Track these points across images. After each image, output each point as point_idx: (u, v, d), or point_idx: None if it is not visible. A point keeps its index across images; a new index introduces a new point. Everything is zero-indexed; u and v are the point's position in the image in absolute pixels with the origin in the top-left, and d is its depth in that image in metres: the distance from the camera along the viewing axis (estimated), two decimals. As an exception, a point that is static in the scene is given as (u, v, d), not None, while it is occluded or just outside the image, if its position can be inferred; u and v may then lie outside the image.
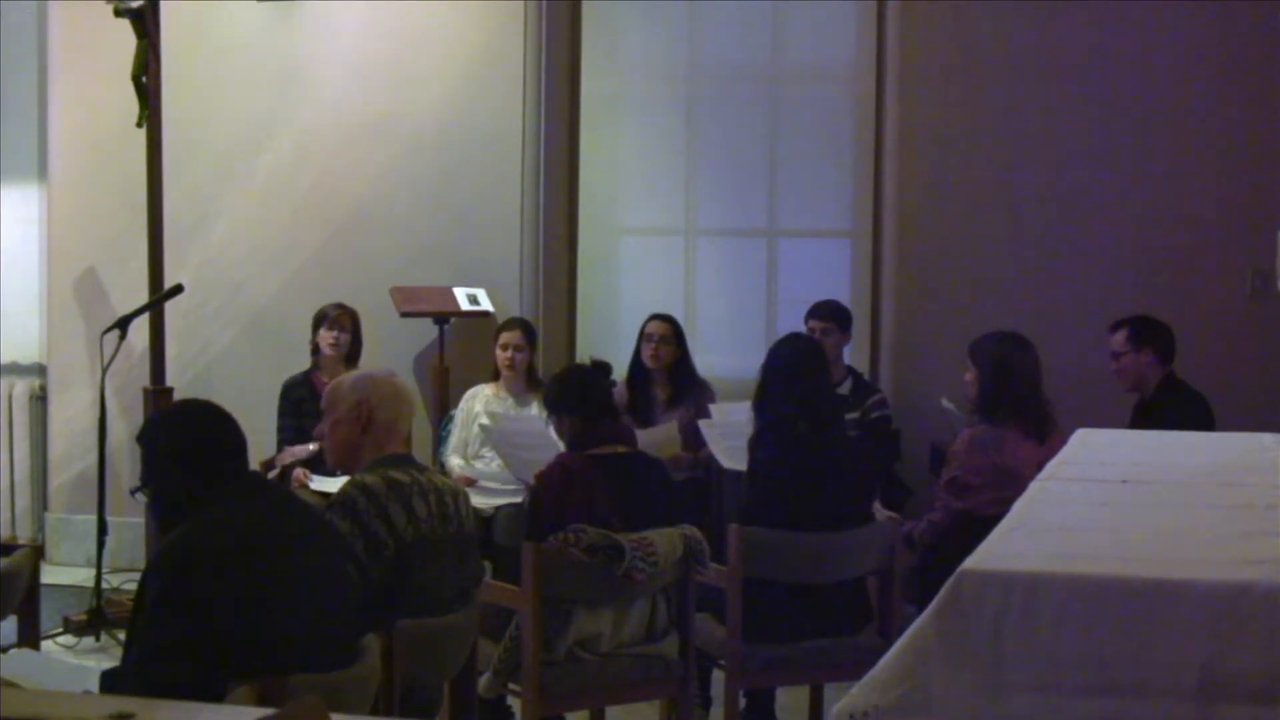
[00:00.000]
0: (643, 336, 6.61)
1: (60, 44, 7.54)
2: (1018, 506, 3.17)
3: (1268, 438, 4.12)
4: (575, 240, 7.33)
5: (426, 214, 7.26)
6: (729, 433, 5.95)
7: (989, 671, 2.49)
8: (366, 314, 6.80)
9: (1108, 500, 3.26)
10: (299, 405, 6.52)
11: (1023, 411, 5.10)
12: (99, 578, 6.19)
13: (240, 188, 7.34)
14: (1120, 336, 5.71)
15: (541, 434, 5.70)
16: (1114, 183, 6.70)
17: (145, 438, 3.31)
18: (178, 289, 6.49)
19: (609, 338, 7.23)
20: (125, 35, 6.49)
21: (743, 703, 4.79)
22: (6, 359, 7.72)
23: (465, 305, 6.98)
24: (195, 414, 3.29)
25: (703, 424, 6.20)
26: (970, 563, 2.58)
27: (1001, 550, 2.73)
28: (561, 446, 4.71)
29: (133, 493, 3.36)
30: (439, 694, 4.08)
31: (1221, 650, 2.42)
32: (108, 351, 6.16)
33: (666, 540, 4.28)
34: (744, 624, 4.46)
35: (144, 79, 6.47)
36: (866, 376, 6.76)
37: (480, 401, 6.61)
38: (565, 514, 4.25)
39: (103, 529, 6.13)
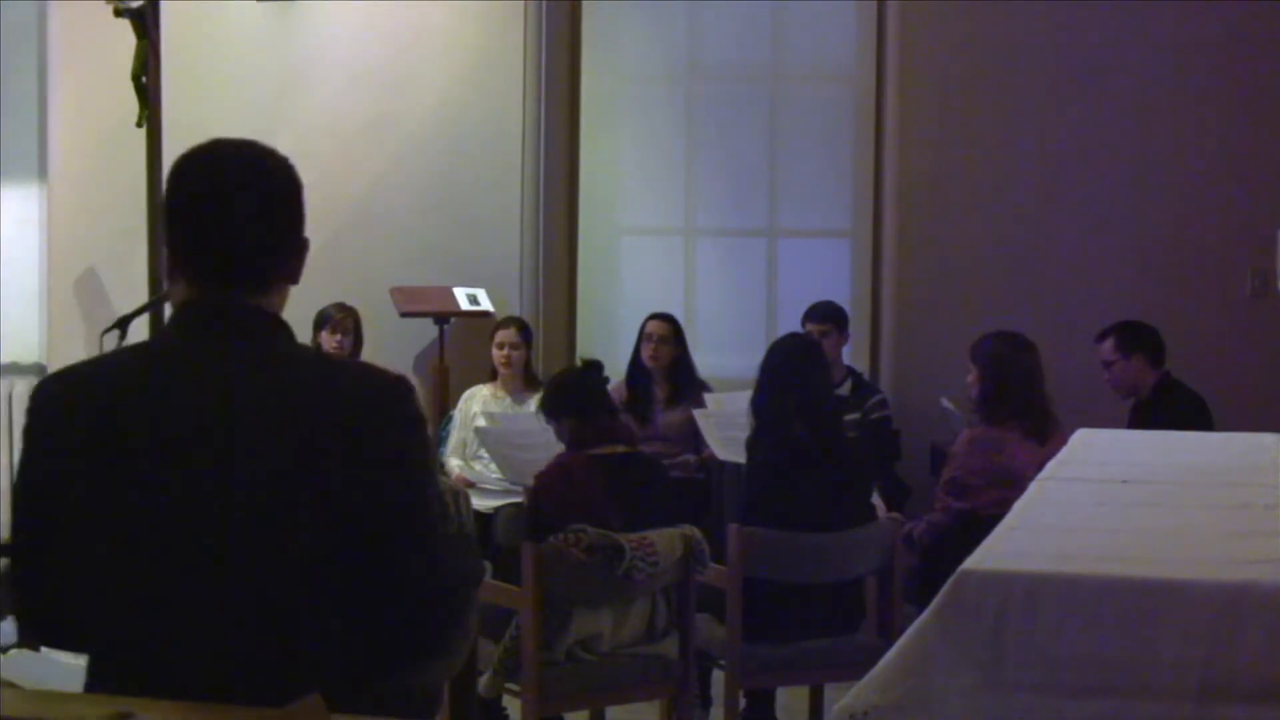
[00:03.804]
0: (642, 336, 6.61)
1: (60, 44, 7.53)
2: (1018, 506, 3.17)
3: (1268, 438, 4.12)
4: (575, 240, 7.33)
5: (426, 214, 7.25)
6: (724, 422, 5.96)
7: (989, 671, 2.50)
8: (366, 314, 6.80)
9: (1108, 500, 3.26)
10: (299, 405, 6.52)
11: (1023, 412, 5.10)
12: (99, 578, 6.18)
13: (240, 188, 7.32)
14: (1108, 345, 5.70)
15: (539, 430, 5.70)
16: (1114, 182, 6.70)
17: None
18: (178, 289, 6.48)
19: (609, 338, 7.23)
20: (125, 35, 6.48)
21: (743, 703, 4.79)
22: (6, 359, 7.70)
23: (465, 305, 6.98)
24: None
25: (698, 414, 6.20)
26: (970, 563, 2.58)
27: (1001, 550, 2.73)
28: (560, 444, 4.71)
29: None
30: (439, 694, 4.09)
31: (1221, 650, 2.42)
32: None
33: (666, 540, 4.28)
34: (744, 624, 4.46)
35: (144, 79, 6.45)
36: (866, 377, 6.76)
37: (478, 402, 6.61)
38: (565, 514, 4.26)
39: (103, 529, 6.12)
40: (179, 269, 2.15)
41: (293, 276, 2.18)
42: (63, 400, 2.11)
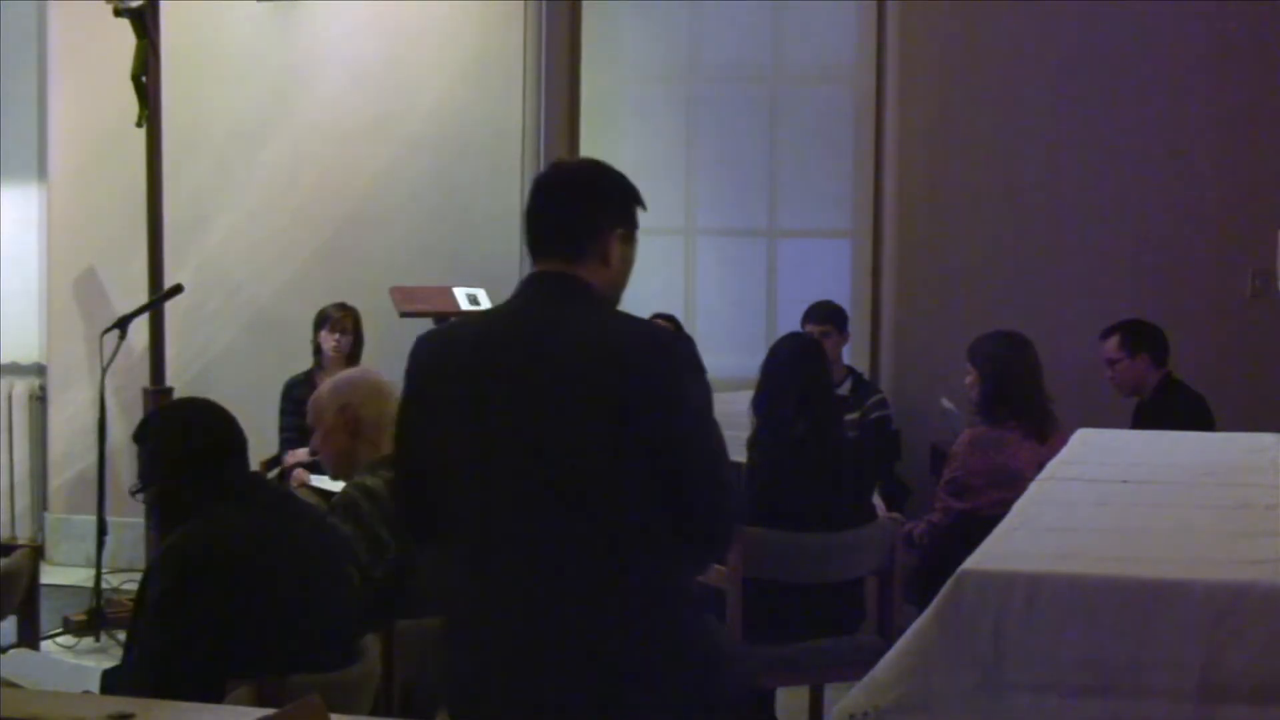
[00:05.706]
0: (643, 336, 6.60)
1: (60, 44, 7.53)
2: (1018, 506, 3.17)
3: (1268, 438, 4.12)
4: (575, 240, 7.32)
5: (426, 214, 7.25)
6: (727, 422, 5.94)
7: (989, 671, 2.49)
8: (366, 314, 6.79)
9: (1108, 500, 3.26)
10: (301, 405, 6.49)
11: (1023, 411, 5.09)
12: (99, 578, 6.18)
13: (240, 188, 7.33)
14: (1113, 343, 5.69)
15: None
16: (1113, 182, 6.70)
17: (144, 437, 3.29)
18: (178, 289, 6.49)
19: (609, 338, 7.21)
20: (125, 35, 6.49)
21: (743, 703, 4.79)
22: (6, 359, 7.71)
23: (465, 305, 6.97)
24: (197, 413, 3.28)
25: None
26: (970, 563, 2.58)
27: (1001, 550, 2.73)
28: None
29: (133, 493, 3.34)
30: (439, 694, 4.08)
31: (1221, 650, 2.42)
32: (108, 351, 6.16)
33: (666, 540, 4.27)
34: (744, 624, 4.45)
35: (144, 79, 6.46)
36: (866, 376, 6.76)
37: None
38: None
39: (102, 529, 6.12)
40: (529, 249, 2.68)
41: (604, 259, 2.65)
42: (437, 352, 2.66)
